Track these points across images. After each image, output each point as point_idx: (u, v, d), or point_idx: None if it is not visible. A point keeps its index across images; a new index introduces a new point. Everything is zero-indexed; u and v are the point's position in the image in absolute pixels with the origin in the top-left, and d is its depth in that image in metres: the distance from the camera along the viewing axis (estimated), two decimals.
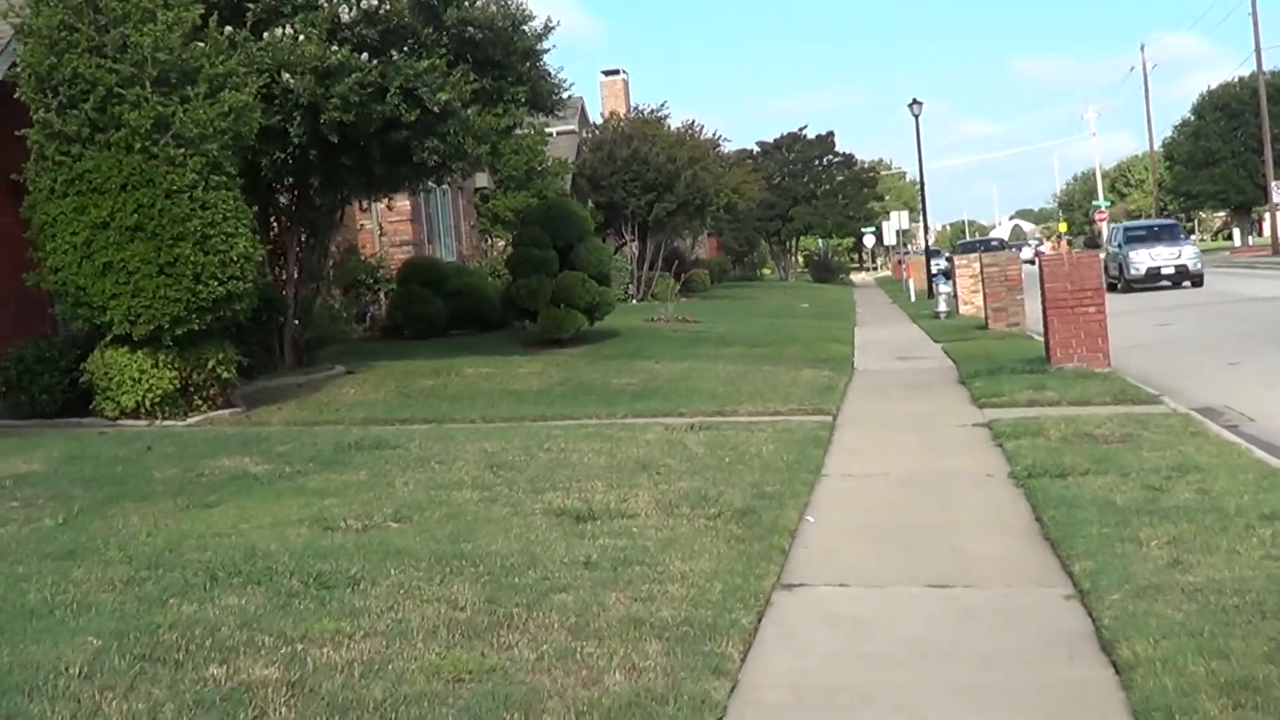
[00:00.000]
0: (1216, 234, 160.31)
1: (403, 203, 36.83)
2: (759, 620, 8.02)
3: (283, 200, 24.78)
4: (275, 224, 25.09)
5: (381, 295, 34.72)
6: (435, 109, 21.97)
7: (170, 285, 18.22)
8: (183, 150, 18.37)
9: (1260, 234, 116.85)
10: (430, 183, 27.79)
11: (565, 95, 26.66)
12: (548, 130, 56.99)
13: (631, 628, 7.52)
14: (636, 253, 56.58)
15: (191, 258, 18.28)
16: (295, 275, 25.24)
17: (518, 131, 47.38)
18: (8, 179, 19.23)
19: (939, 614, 8.20)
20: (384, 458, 14.09)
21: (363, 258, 36.34)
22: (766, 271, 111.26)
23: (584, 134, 58.60)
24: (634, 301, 51.85)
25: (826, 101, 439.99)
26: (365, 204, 32.75)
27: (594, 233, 31.29)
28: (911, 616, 8.17)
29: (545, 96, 25.60)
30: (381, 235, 37.02)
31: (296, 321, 25.06)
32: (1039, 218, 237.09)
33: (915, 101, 60.79)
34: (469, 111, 22.77)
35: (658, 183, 53.85)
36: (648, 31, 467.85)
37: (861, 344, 32.42)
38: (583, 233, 30.35)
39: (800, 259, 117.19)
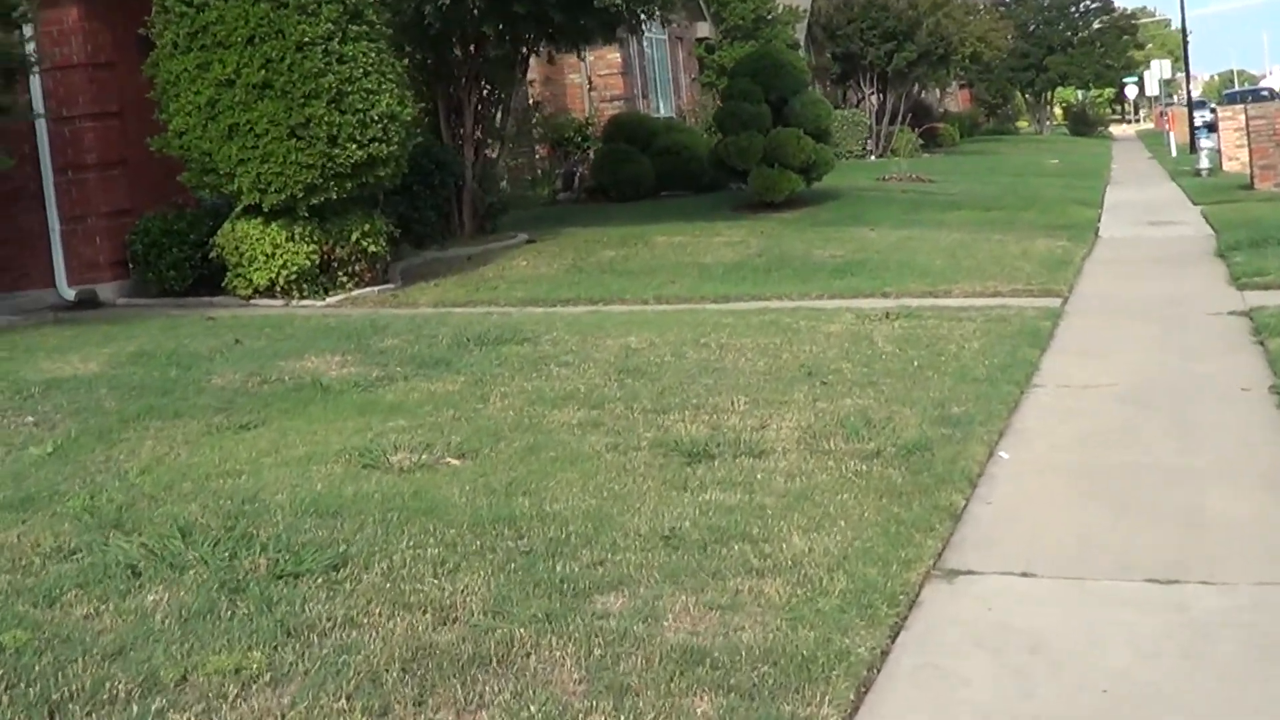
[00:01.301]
0: None
1: (613, 55, 34.41)
2: (892, 641, 5.56)
3: (458, 53, 22.42)
4: (448, 79, 22.79)
5: (591, 154, 32.41)
6: None
7: (303, 149, 16.14)
8: None
9: None
10: (624, 32, 25.13)
11: None
12: None
13: (680, 670, 5.11)
14: (876, 106, 53.49)
15: (326, 118, 16.14)
16: (475, 134, 23.02)
17: None
18: (137, 33, 17.31)
19: (1160, 635, 5.66)
20: (502, 356, 11.84)
21: (570, 114, 34.14)
22: (1022, 124, 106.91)
23: None
24: (871, 158, 48.99)
25: None
26: (575, 55, 30.24)
27: (811, 85, 28.51)
28: (1117, 638, 5.62)
29: None
30: (591, 90, 34.63)
31: (477, 185, 22.88)
32: None
33: None
34: None
35: (897, 31, 50.71)
36: None
37: (1111, 206, 29.29)
38: (798, 85, 27.63)
39: (1058, 111, 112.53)
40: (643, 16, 23.45)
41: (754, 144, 26.18)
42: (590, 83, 34.61)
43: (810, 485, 7.57)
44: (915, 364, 11.16)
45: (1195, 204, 27.96)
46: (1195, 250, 19.84)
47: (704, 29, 41.35)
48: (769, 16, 45.01)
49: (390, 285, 17.89)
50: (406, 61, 22.25)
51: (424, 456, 8.28)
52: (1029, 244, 20.29)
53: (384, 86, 16.77)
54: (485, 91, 23.21)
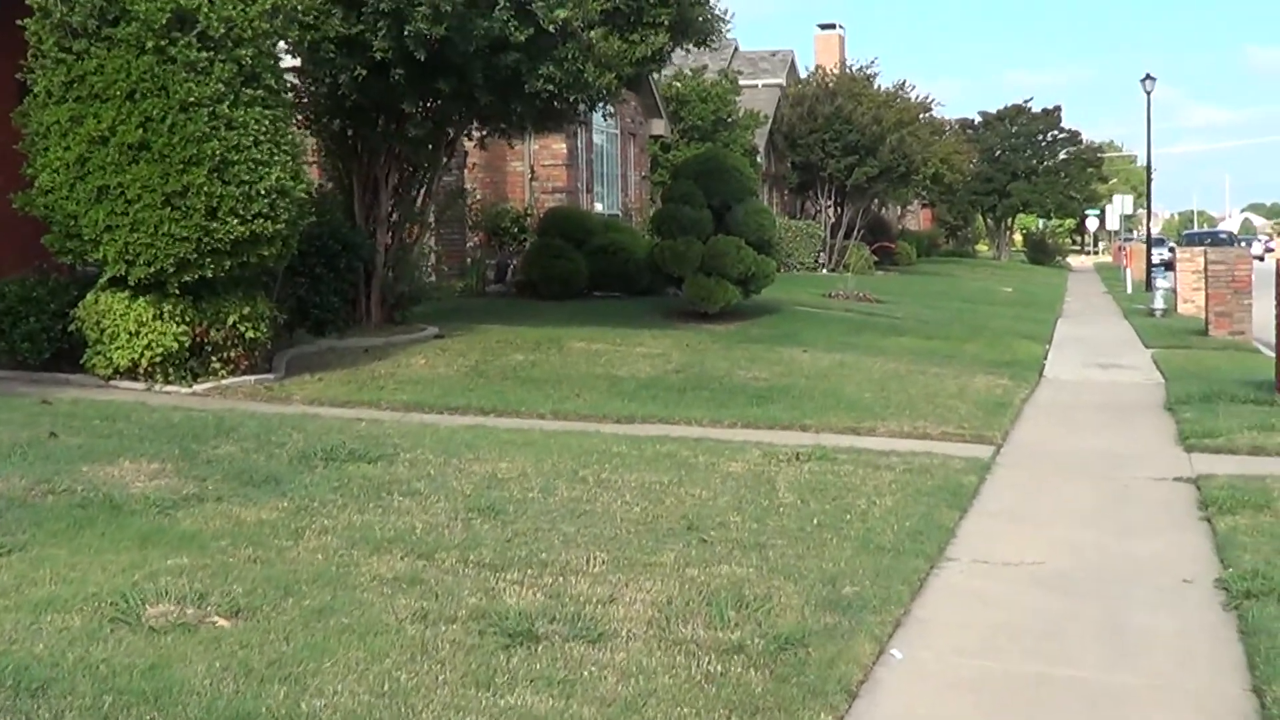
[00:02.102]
0: None
1: (559, 145, 33.13)
2: None
3: (379, 129, 20.98)
4: (365, 155, 21.35)
5: (527, 247, 31.03)
6: (551, 28, 18.23)
7: (178, 220, 14.63)
8: (207, 54, 14.78)
9: None
10: (561, 123, 23.73)
11: (725, 27, 22.56)
12: (754, 83, 53.52)
13: None
14: (832, 219, 52.41)
15: (206, 187, 14.65)
16: (390, 216, 21.58)
17: (684, 72, 44.06)
18: (14, 77, 15.85)
19: None
20: (345, 477, 10.33)
21: (509, 203, 32.82)
22: (982, 248, 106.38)
23: (789, 88, 54.48)
24: (824, 271, 47.88)
25: (1054, 77, 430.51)
26: (508, 143, 28.88)
27: (767, 192, 27.27)
28: None
29: (695, 23, 21.56)
30: (533, 179, 33.31)
31: (388, 271, 21.44)
32: (1271, 212, 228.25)
33: (1148, 77, 55.76)
34: (593, 34, 18.96)
35: (860, 145, 49.86)
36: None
37: (1060, 341, 28.05)
38: (743, 192, 26.35)
39: (1018, 237, 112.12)
40: (581, 108, 22.14)
41: (692, 250, 24.86)
42: (533, 172, 33.30)
43: (647, 690, 6.08)
44: (815, 522, 9.72)
45: (1147, 346, 26.77)
46: (1143, 400, 18.52)
47: (659, 126, 40.16)
48: (729, 119, 43.98)
49: (270, 375, 16.38)
50: (320, 133, 20.94)
51: (190, 611, 6.76)
52: (968, 380, 18.95)
53: (276, 158, 15.30)
54: (405, 172, 21.77)
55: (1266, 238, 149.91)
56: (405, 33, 17.46)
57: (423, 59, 17.86)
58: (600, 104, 23.18)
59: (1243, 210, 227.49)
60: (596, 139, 36.13)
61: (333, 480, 10.19)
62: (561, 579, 7.83)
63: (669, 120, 41.26)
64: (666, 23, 20.44)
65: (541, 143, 33.03)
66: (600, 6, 19.21)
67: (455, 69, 18.62)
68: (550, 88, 19.19)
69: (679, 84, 43.52)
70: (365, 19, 17.79)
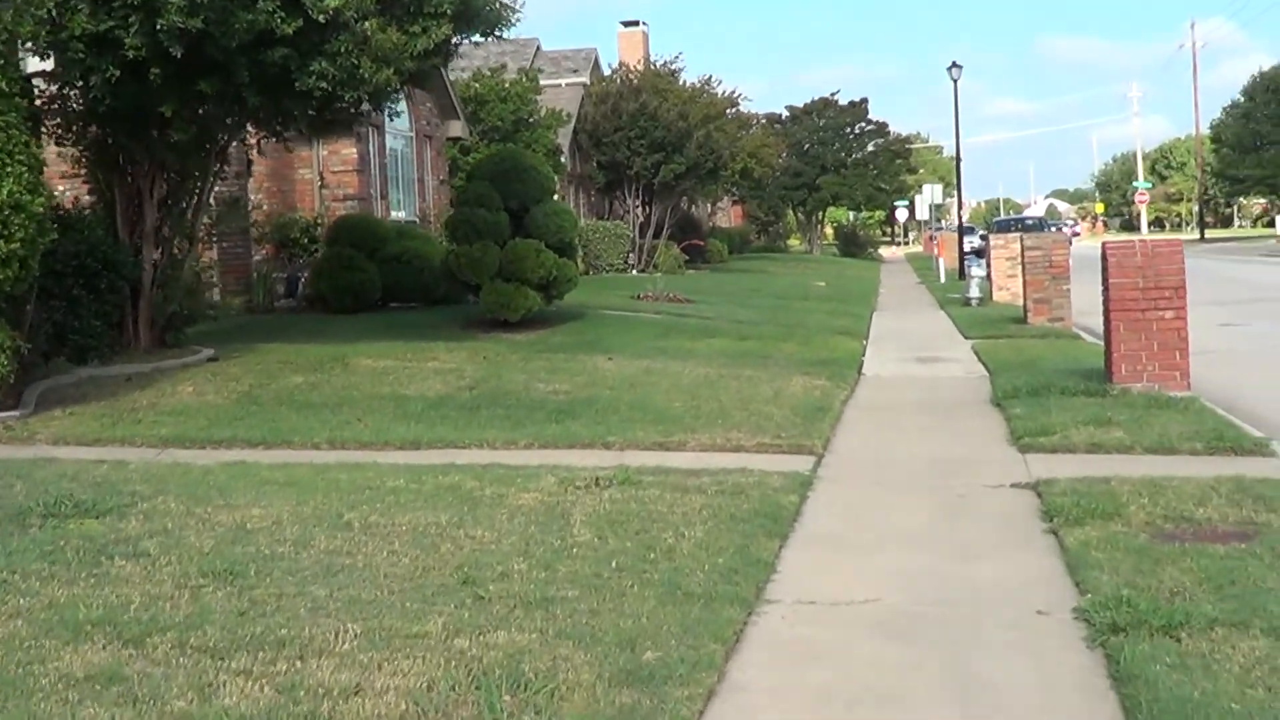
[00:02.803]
0: (1256, 220, 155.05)
1: (349, 150, 31.49)
2: None
3: (140, 136, 19.28)
4: (127, 165, 19.66)
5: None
6: (322, 19, 16.78)
7: None
8: None
9: None
10: (339, 125, 22.15)
11: (515, 16, 21.05)
12: (558, 82, 52.18)
13: None
14: (640, 218, 51.22)
15: None
16: (159, 231, 19.89)
17: (483, 71, 42.72)
18: None
19: None
20: (64, 537, 8.83)
21: (298, 213, 31.14)
22: (794, 243, 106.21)
23: (593, 86, 53.20)
24: (634, 272, 46.65)
25: (858, 74, 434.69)
26: (286, 148, 27.20)
27: (571, 193, 25.87)
28: None
29: (481, 13, 20.10)
30: (323, 187, 31.62)
31: (157, 290, 19.75)
32: (1074, 198, 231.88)
33: (954, 65, 55.29)
34: (367, 25, 17.50)
35: (666, 142, 48.73)
36: None
37: (877, 337, 27.01)
38: (542, 192, 24.97)
39: (829, 230, 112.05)
40: (364, 107, 20.60)
41: (488, 256, 23.44)
42: (322, 179, 31.60)
43: None
44: (614, 565, 8.39)
45: (966, 337, 25.82)
46: (969, 395, 17.48)
47: (457, 128, 38.61)
48: (530, 119, 42.57)
49: (15, 412, 14.72)
50: (78, 143, 19.26)
51: None
52: (784, 383, 17.76)
53: (8, 170, 13.70)
54: (173, 182, 20.08)
55: (1072, 222, 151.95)
56: (159, 27, 15.87)
57: (180, 56, 16.27)
58: (385, 103, 21.59)
59: (1047, 197, 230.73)
60: (391, 143, 34.50)
61: (46, 543, 8.67)
62: (300, 663, 6.42)
63: (467, 121, 39.74)
64: (449, 12, 18.91)
65: (330, 148, 31.39)
66: None
67: (218, 67, 17.04)
68: (324, 85, 17.69)
69: (477, 84, 42.08)
70: (115, 13, 16.15)
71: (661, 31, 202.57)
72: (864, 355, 22.79)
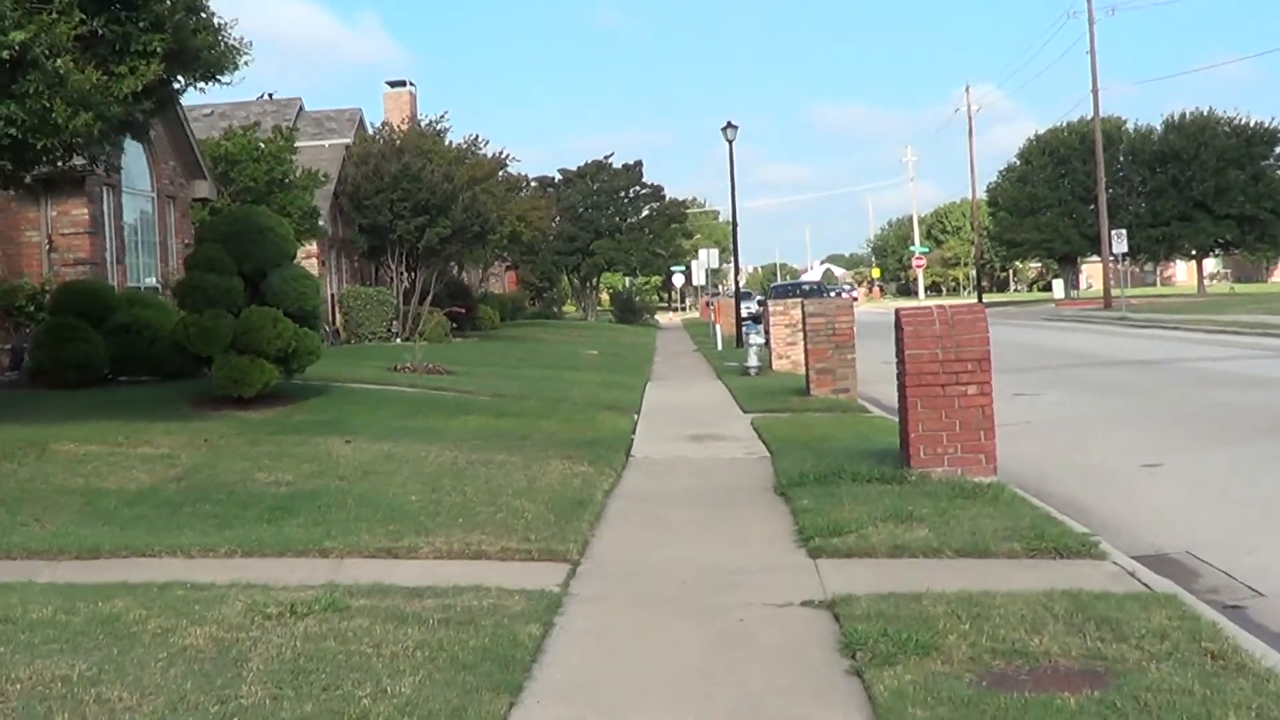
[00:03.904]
0: (1032, 285, 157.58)
1: (80, 210, 28.89)
2: None
3: None
4: None
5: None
6: (6, 55, 14.44)
7: None
8: None
9: (1077, 286, 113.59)
10: (25, 179, 19.65)
11: (242, 58, 18.81)
12: (321, 143, 49.81)
13: None
14: (406, 284, 48.90)
15: None
16: None
17: (235, 129, 40.22)
18: None
19: None
20: None
21: (25, 279, 28.44)
22: (569, 309, 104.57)
23: (355, 147, 50.85)
24: (398, 340, 44.33)
25: (633, 139, 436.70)
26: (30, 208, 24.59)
27: (294, 256, 23.49)
28: None
29: (200, 53, 17.80)
30: (51, 251, 28.93)
31: None
32: (850, 263, 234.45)
33: (730, 125, 53.69)
34: (59, 62, 15.16)
35: (431, 204, 46.65)
36: (451, 62, 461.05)
37: (650, 411, 25.00)
38: (281, 256, 22.63)
39: (605, 297, 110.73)
40: (77, 159, 18.19)
41: (220, 325, 21.10)
42: (51, 242, 28.93)
43: None
44: None
45: (746, 411, 23.95)
46: (749, 481, 15.54)
47: (204, 189, 36.00)
48: (285, 180, 40.04)
49: None
50: None
51: None
52: (541, 469, 15.66)
53: None
54: None
55: (849, 287, 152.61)
56: None
57: None
58: (98, 155, 19.18)
59: (823, 262, 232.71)
60: (129, 203, 31.84)
61: None
62: None
63: (216, 181, 37.14)
64: (159, 51, 16.63)
65: (60, 208, 28.81)
66: (72, 30, 15.45)
67: None
68: (12, 131, 15.35)
69: (228, 143, 39.48)
70: None
71: (430, 96, 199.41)
72: (634, 434, 20.72)
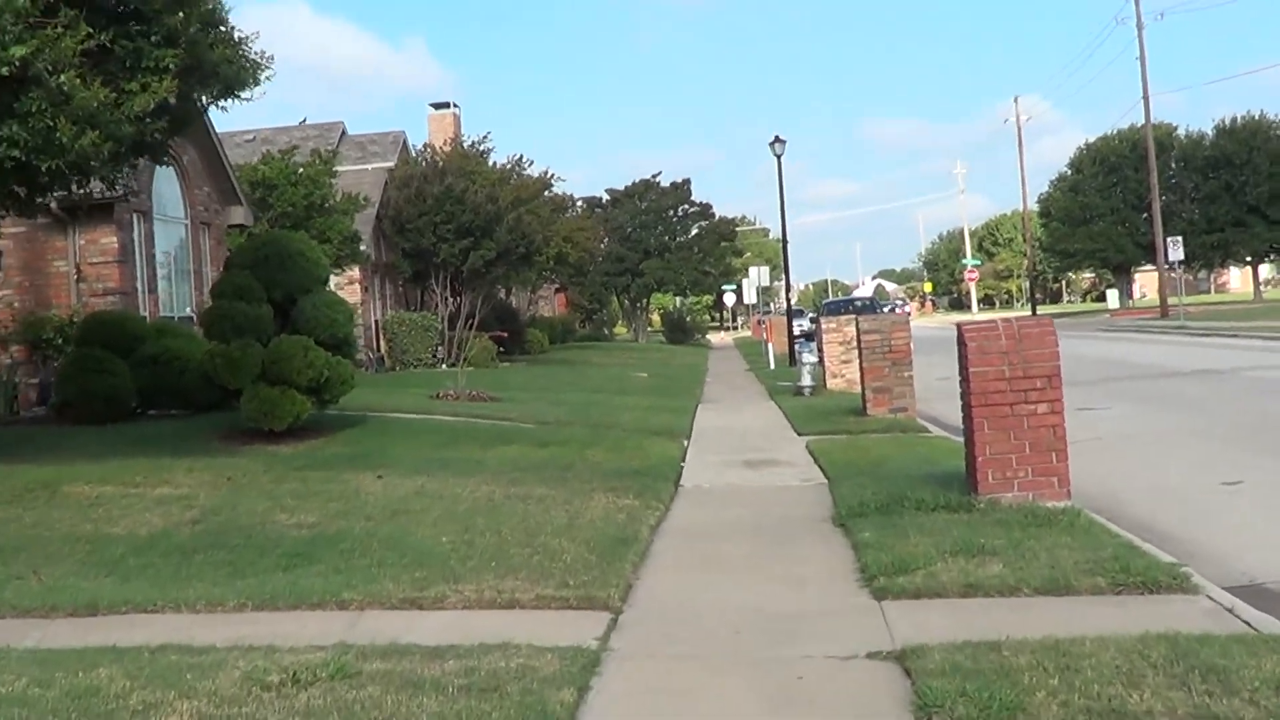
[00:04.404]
0: (1085, 295, 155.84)
1: (109, 238, 28.07)
2: None
3: None
4: None
5: None
6: (6, 71, 13.59)
7: None
8: None
9: (1132, 296, 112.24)
10: (36, 205, 18.74)
11: (264, 74, 17.94)
12: (364, 167, 49.07)
13: None
14: (451, 308, 47.99)
15: None
16: None
17: (272, 154, 39.45)
18: None
19: None
20: None
21: (53, 310, 27.70)
22: (620, 331, 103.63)
23: (397, 170, 50.00)
24: (443, 366, 43.47)
25: (679, 161, 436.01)
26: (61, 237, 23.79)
27: (325, 282, 22.56)
28: None
29: (219, 67, 16.91)
30: (79, 280, 28.12)
31: None
32: (901, 278, 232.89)
33: (777, 139, 52.77)
34: (63, 78, 14.29)
35: (474, 226, 45.74)
36: (496, 83, 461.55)
37: (700, 434, 24.02)
38: (312, 281, 21.71)
39: (656, 318, 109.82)
40: (87, 183, 17.35)
41: (249, 355, 20.21)
42: (79, 271, 28.12)
43: None
44: None
45: (800, 434, 22.93)
46: (805, 511, 14.52)
47: (239, 214, 35.18)
48: (324, 204, 39.22)
49: None
50: None
51: None
52: (583, 504, 14.67)
53: None
54: None
55: (902, 302, 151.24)
56: None
57: None
58: (115, 178, 18.34)
59: (874, 277, 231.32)
60: (162, 231, 31.03)
61: None
62: None
63: (253, 207, 36.34)
64: (173, 67, 15.74)
65: (88, 236, 28.01)
66: (79, 45, 14.58)
67: None
68: (15, 154, 14.48)
69: (265, 167, 38.69)
70: None
71: (475, 117, 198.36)
72: (683, 461, 19.69)
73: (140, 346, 24.24)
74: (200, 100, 17.85)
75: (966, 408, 13.75)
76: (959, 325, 14.24)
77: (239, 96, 17.75)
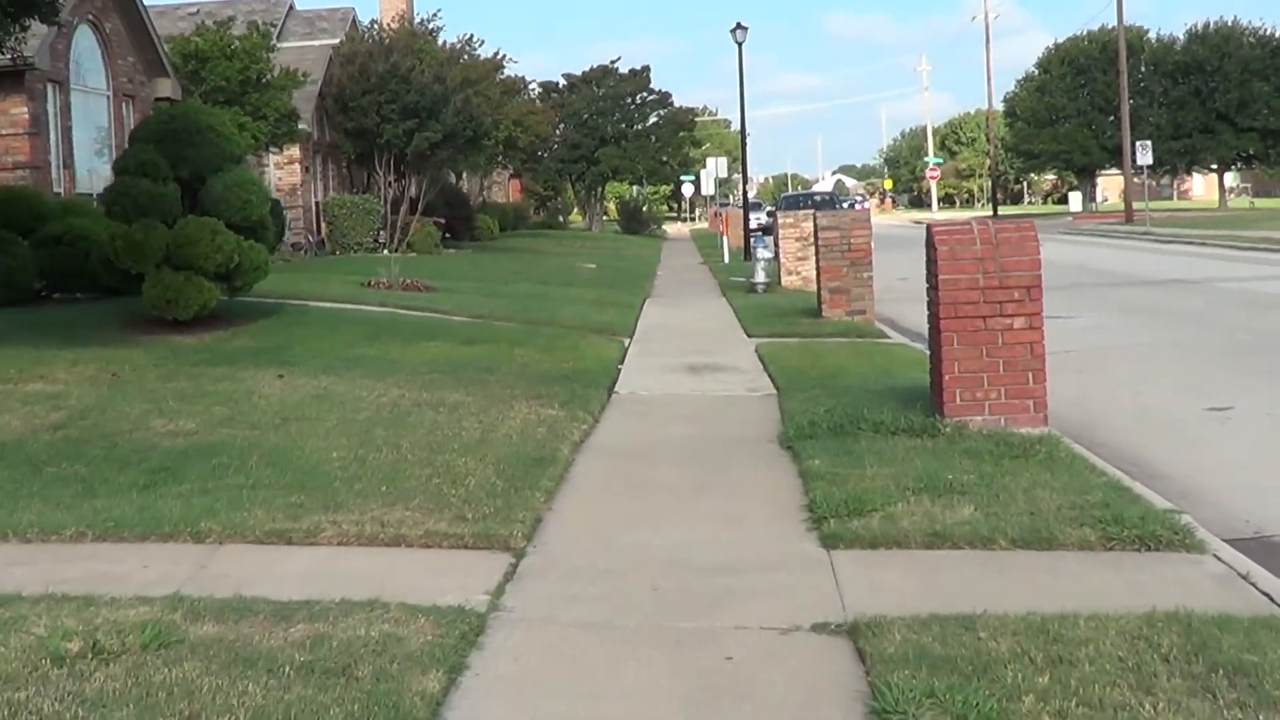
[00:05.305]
0: (1046, 197, 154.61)
1: (19, 109, 26.21)
2: None
3: None
4: None
5: None
6: None
7: None
8: None
9: (1094, 199, 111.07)
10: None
11: None
12: (310, 43, 47.12)
13: None
14: (394, 192, 46.12)
15: None
16: None
17: (207, 24, 37.42)
18: None
19: None
20: None
21: None
22: (575, 219, 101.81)
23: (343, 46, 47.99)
24: (385, 252, 41.57)
25: (640, 49, 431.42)
26: None
27: (239, 160, 20.77)
28: None
29: None
30: None
31: None
32: (862, 174, 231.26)
33: (739, 26, 50.94)
34: None
35: (420, 107, 43.88)
36: None
37: (644, 333, 22.44)
38: (223, 159, 19.87)
39: (611, 207, 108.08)
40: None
41: (152, 238, 18.49)
42: None
43: None
44: None
45: (750, 335, 21.43)
46: (749, 430, 12.95)
47: (167, 87, 33.22)
48: (261, 80, 37.16)
49: None
50: None
51: None
52: (501, 413, 13.07)
53: None
54: None
55: (861, 198, 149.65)
56: None
57: None
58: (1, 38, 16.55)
59: (834, 173, 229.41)
60: (80, 102, 29.13)
61: None
62: None
63: (185, 80, 34.37)
64: None
65: None
66: None
67: None
68: None
69: (198, 39, 36.59)
70: None
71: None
72: (621, 364, 18.06)
73: (43, 225, 22.46)
74: None
75: (934, 319, 12.20)
76: (929, 226, 12.66)
77: None
